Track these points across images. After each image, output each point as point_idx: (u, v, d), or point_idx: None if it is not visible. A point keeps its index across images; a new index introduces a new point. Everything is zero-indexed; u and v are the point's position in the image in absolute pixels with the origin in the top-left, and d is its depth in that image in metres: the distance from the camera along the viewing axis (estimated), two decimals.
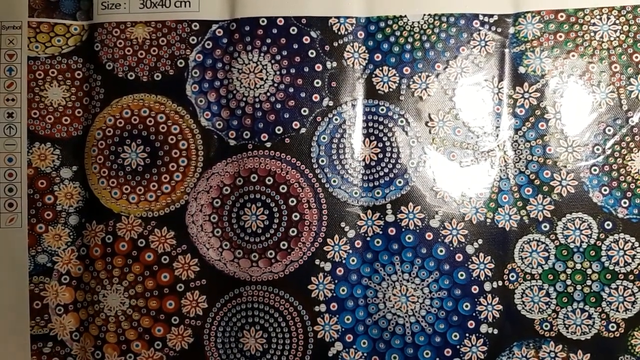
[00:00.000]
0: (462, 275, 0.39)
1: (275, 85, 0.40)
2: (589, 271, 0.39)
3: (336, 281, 0.39)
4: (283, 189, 0.40)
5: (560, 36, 0.39)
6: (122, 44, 0.40)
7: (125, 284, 0.40)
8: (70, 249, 0.40)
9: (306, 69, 0.40)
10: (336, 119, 0.40)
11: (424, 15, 0.40)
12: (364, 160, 0.40)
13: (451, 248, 0.39)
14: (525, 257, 0.39)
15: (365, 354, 0.39)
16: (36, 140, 0.40)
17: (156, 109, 0.40)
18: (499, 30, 0.40)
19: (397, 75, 0.40)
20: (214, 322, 0.40)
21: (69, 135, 0.41)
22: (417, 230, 0.39)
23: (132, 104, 0.40)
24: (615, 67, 0.39)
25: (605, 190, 0.39)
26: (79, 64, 0.41)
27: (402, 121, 0.40)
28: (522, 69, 0.39)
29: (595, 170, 0.39)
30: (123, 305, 0.40)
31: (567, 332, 0.39)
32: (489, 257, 0.39)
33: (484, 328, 0.39)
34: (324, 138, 0.40)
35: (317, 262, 0.39)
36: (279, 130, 0.40)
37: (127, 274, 0.40)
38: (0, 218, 0.40)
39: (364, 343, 0.39)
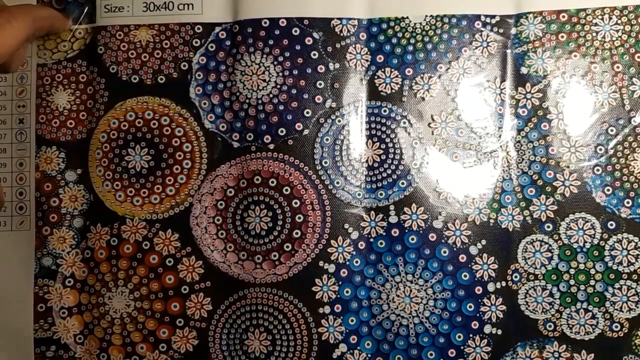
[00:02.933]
0: (465, 276, 0.39)
1: (278, 86, 0.40)
2: (592, 271, 0.39)
3: (340, 283, 0.39)
4: (286, 190, 0.40)
5: (562, 36, 0.39)
6: (126, 47, 0.40)
7: (130, 286, 0.40)
8: (75, 252, 0.40)
9: (309, 71, 0.40)
10: (339, 121, 0.40)
11: (426, 16, 0.40)
12: (366, 161, 0.40)
13: (454, 249, 0.39)
14: (529, 258, 0.39)
15: (369, 355, 0.39)
16: (43, 144, 0.41)
17: (160, 111, 0.40)
18: (501, 31, 0.40)
19: (399, 76, 0.40)
20: (219, 324, 0.40)
21: (74, 138, 0.41)
22: (421, 231, 0.39)
23: (136, 106, 0.40)
24: (618, 67, 0.39)
25: (608, 190, 0.39)
26: (82, 67, 0.41)
27: (404, 122, 0.40)
28: (524, 70, 0.39)
29: (598, 170, 0.39)
30: (128, 308, 0.40)
31: (571, 332, 0.39)
32: (493, 258, 0.39)
33: (487, 328, 0.39)
34: (327, 139, 0.40)
35: (320, 263, 0.39)
36: (282, 132, 0.40)
37: (132, 276, 0.40)
38: (12, 221, 0.40)
39: (368, 344, 0.39)
